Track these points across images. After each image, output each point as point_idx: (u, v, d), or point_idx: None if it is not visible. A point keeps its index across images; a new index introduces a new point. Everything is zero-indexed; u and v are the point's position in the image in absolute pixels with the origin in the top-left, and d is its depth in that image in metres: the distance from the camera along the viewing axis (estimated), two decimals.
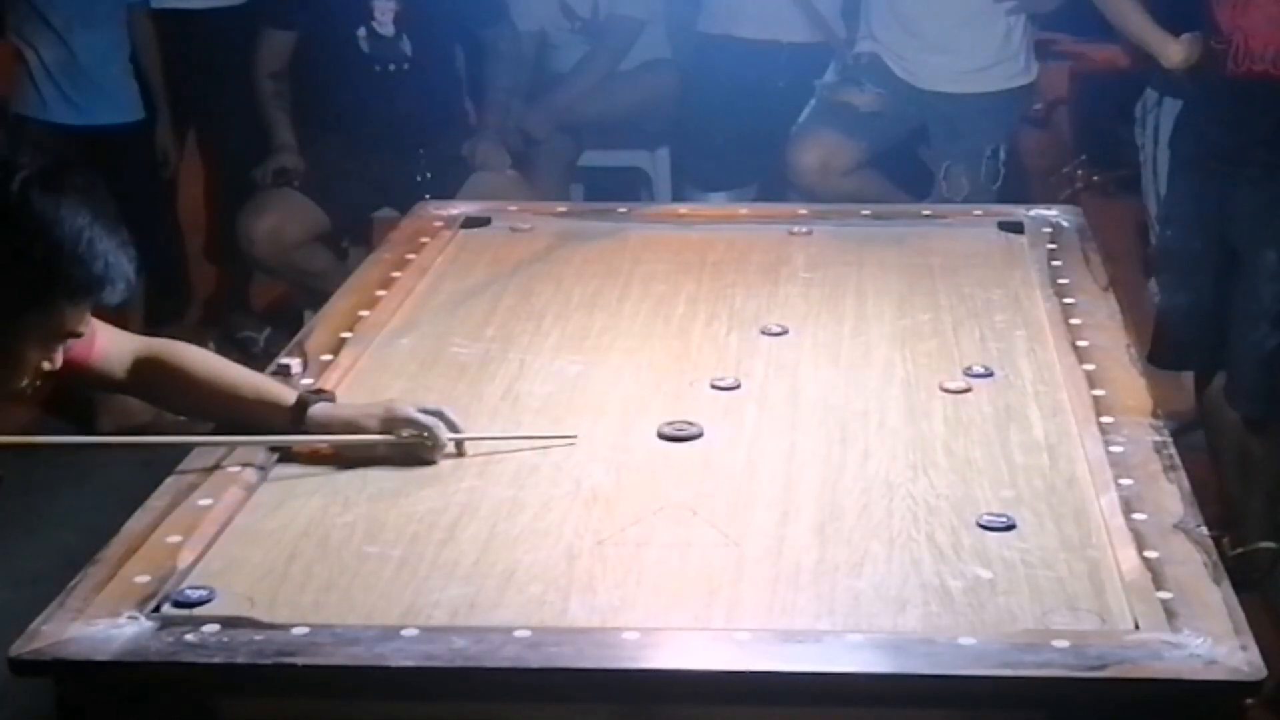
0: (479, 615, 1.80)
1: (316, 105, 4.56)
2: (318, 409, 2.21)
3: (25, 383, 1.97)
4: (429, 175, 4.51)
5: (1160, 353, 3.53)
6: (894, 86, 4.38)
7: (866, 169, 4.44)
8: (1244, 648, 1.68)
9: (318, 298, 3.80)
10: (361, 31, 4.50)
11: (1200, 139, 3.44)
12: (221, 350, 4.89)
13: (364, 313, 2.69)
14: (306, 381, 2.39)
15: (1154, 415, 2.25)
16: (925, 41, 4.34)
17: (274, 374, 2.42)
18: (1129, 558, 1.87)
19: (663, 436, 2.26)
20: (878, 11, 4.40)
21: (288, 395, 2.24)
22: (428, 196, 3.78)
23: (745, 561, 1.92)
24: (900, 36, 4.36)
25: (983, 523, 1.99)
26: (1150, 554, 1.87)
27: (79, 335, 1.99)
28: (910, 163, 4.65)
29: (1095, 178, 5.51)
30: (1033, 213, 3.18)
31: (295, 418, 2.20)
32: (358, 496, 2.09)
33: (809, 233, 3.15)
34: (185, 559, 1.90)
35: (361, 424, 2.20)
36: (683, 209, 3.51)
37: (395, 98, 4.50)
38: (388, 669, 1.69)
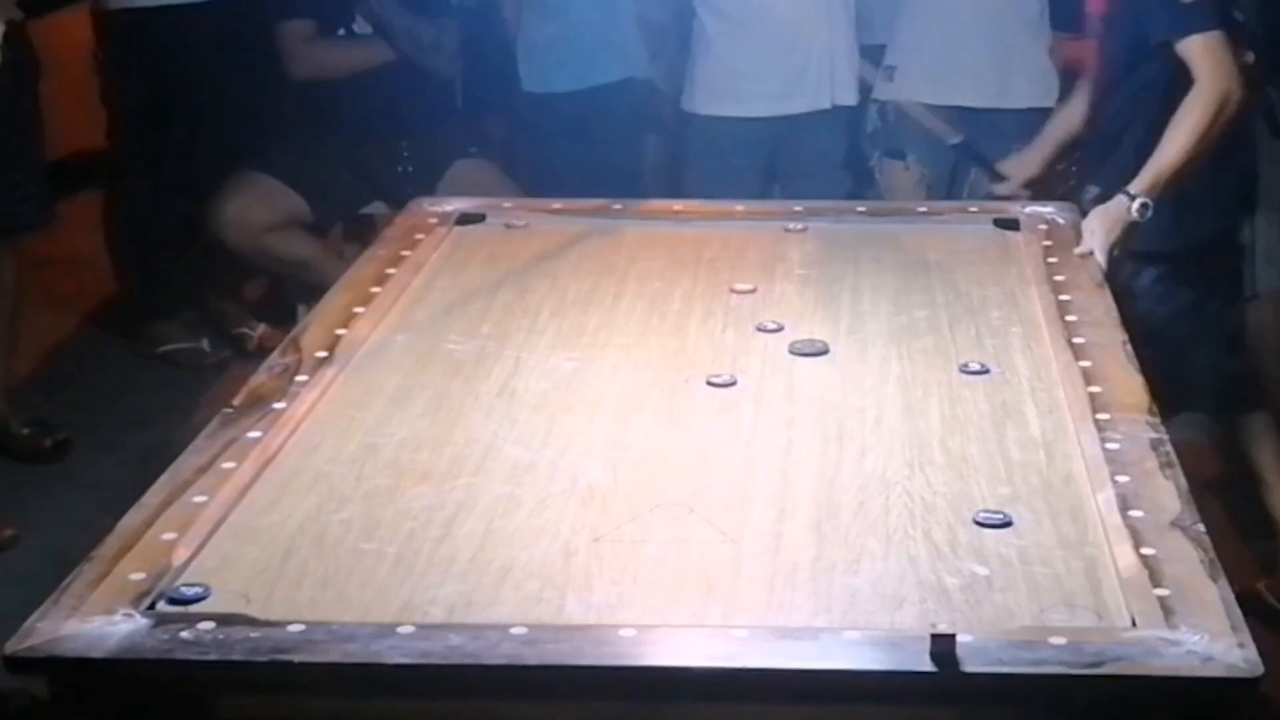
0: (475, 612, 1.80)
1: (304, 95, 4.55)
2: None
3: None
4: (410, 168, 4.50)
5: None
6: (929, 141, 4.28)
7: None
8: (1241, 644, 1.68)
9: (307, 290, 3.79)
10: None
11: None
12: (215, 345, 4.93)
13: (359, 309, 2.68)
14: (301, 378, 2.39)
15: (1150, 412, 2.25)
16: (952, 64, 4.26)
17: (268, 371, 2.41)
18: (1126, 554, 1.87)
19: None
20: (903, 41, 4.30)
21: None
22: (409, 188, 3.77)
23: (742, 558, 1.92)
24: (929, 59, 4.27)
25: (979, 520, 1.99)
26: (1147, 551, 1.87)
27: None
28: None
29: None
30: (1028, 209, 3.18)
31: None
32: (353, 493, 2.09)
33: (804, 230, 3.14)
34: (180, 556, 1.90)
35: None
36: (678, 205, 3.50)
37: (382, 89, 4.49)
38: (384, 666, 1.69)
